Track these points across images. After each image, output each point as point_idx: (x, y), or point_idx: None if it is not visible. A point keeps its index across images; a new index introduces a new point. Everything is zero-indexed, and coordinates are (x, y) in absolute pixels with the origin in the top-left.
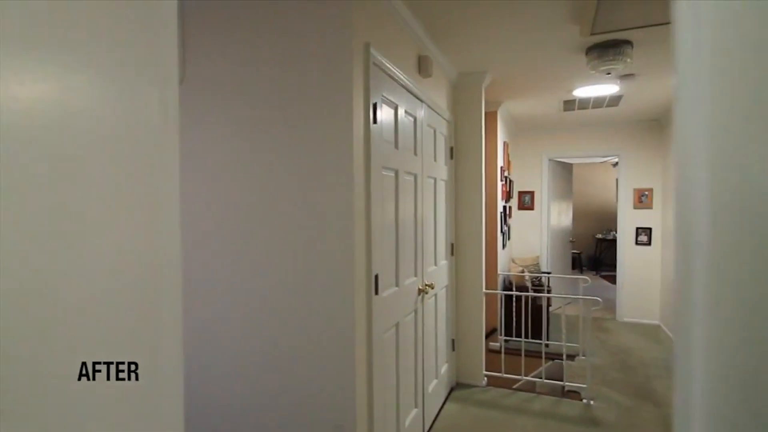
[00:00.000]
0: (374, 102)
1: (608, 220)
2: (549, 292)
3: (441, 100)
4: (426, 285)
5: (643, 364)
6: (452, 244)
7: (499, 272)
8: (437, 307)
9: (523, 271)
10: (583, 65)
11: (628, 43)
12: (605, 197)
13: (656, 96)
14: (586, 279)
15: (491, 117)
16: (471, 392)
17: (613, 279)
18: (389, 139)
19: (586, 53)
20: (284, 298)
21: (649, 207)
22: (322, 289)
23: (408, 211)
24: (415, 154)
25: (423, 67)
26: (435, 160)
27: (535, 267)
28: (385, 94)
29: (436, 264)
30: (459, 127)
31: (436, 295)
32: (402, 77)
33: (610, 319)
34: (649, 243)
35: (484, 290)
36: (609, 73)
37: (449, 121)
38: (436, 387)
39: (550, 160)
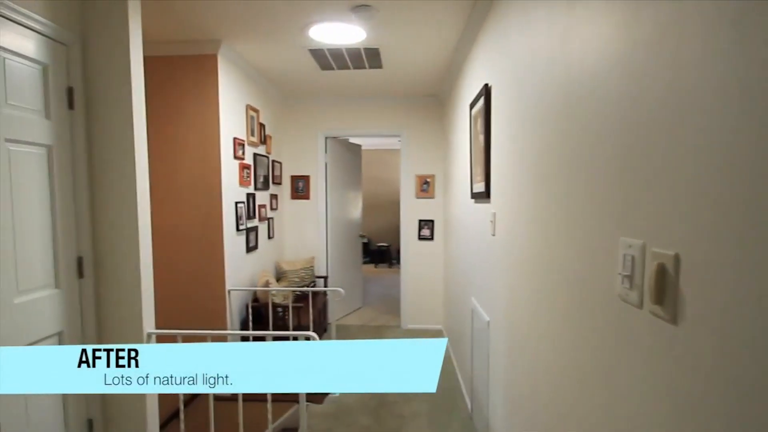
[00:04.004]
0: None
1: None
2: (326, 296)
3: None
4: None
5: (404, 396)
6: (80, 259)
7: (229, 288)
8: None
9: (267, 284)
10: None
11: None
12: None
13: (415, 56)
14: (340, 291)
15: (208, 62)
16: None
17: None
18: None
19: None
20: None
21: (431, 196)
22: None
23: None
24: None
25: None
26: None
27: (308, 270)
28: None
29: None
30: (91, 56)
31: None
32: None
33: (394, 327)
34: (431, 237)
35: (150, 330)
36: None
37: (60, 42)
38: None
39: (327, 138)
